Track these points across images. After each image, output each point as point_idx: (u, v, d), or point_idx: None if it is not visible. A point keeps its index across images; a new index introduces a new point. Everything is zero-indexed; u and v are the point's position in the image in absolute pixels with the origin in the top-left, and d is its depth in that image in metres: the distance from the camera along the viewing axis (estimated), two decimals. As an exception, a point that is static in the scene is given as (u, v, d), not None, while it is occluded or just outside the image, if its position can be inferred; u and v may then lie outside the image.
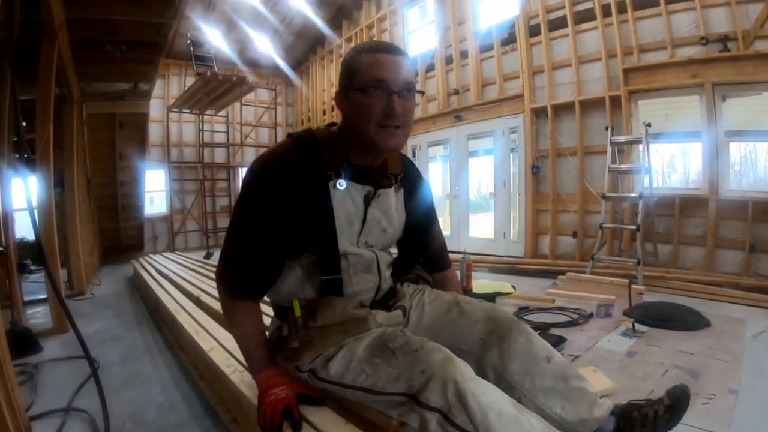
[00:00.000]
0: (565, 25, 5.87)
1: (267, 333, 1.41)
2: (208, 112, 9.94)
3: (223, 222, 11.12)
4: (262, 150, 11.22)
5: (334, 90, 10.19)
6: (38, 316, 4.16)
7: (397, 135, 1.19)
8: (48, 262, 2.84)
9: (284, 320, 1.34)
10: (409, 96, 1.19)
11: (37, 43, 3.17)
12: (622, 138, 5.02)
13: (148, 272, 5.28)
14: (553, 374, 1.21)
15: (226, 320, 1.47)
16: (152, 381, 2.75)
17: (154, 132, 9.80)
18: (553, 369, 1.22)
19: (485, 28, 7.05)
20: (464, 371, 1.05)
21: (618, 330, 3.23)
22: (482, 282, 3.29)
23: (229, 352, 1.96)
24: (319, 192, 1.21)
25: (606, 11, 5.42)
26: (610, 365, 2.64)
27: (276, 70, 11.87)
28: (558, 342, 2.75)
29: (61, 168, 4.67)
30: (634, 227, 4.60)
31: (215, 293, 3.29)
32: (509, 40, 6.67)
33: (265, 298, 1.39)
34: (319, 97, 11.42)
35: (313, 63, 11.58)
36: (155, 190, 10.12)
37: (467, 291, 3.61)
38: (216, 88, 8.11)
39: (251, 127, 11.14)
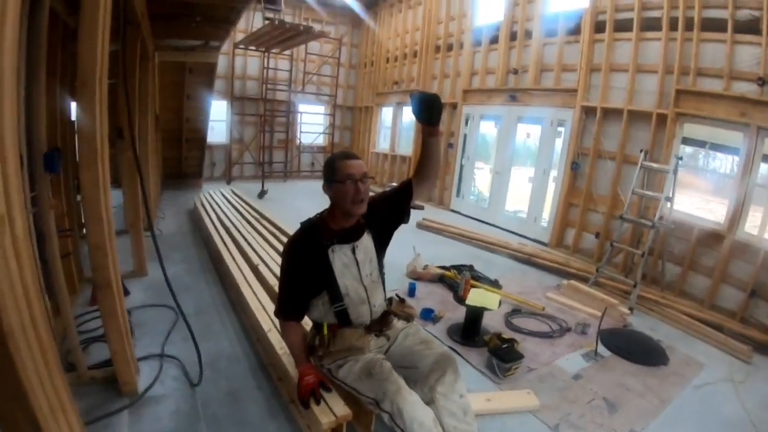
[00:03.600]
0: (630, 29, 5.71)
1: (307, 338, 2.22)
2: (273, 50, 10.27)
3: (279, 155, 11.81)
4: (323, 95, 11.65)
5: (400, 39, 10.44)
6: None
7: (363, 205, 1.97)
8: (149, 200, 3.22)
9: (317, 332, 2.14)
10: (365, 181, 1.95)
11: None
12: (653, 165, 5.07)
13: (209, 217, 5.85)
14: (459, 406, 1.91)
15: (282, 335, 2.31)
16: (221, 335, 3.38)
17: (220, 65, 9.94)
18: (461, 403, 1.92)
19: (553, 13, 6.92)
20: (405, 396, 1.81)
21: (582, 350, 3.64)
22: (476, 294, 3.77)
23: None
24: (321, 257, 1.99)
25: (673, 25, 5.23)
26: (552, 384, 3.12)
27: (344, 10, 11.91)
28: (516, 358, 3.18)
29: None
30: (640, 252, 4.80)
31: (271, 262, 3.99)
32: (574, 30, 6.55)
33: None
34: (385, 43, 11.51)
35: (383, 8, 11.58)
36: (216, 119, 10.46)
37: (462, 300, 4.07)
38: (283, 33, 8.39)
39: (314, 65, 11.46)
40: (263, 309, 3.11)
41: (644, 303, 4.66)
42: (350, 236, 2.04)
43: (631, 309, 4.46)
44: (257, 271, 3.86)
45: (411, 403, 1.80)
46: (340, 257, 2.01)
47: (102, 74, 2.11)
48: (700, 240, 4.96)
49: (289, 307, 2.11)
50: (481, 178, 9.23)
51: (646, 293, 4.77)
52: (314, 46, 11.29)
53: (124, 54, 3.37)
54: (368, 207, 2.05)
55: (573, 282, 4.96)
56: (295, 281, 2.05)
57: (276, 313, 2.18)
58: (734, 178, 4.79)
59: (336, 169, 1.94)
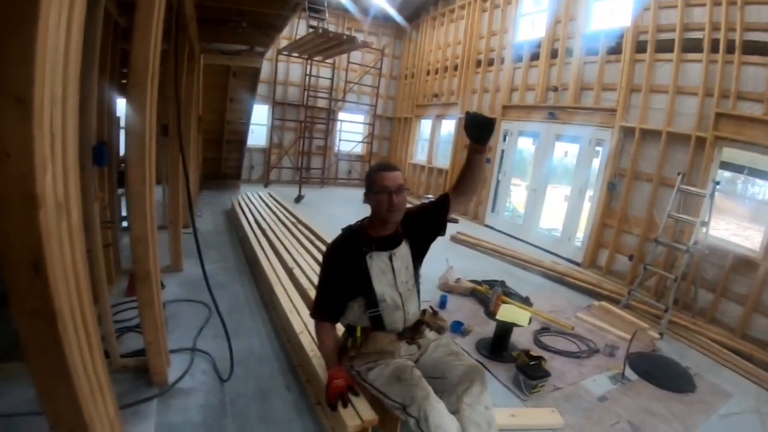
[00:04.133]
0: (672, 50, 5.70)
1: (339, 340, 2.32)
2: (315, 58, 10.56)
3: (317, 161, 12.10)
4: (362, 104, 11.88)
5: (441, 52, 10.58)
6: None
7: (398, 214, 2.11)
8: (192, 198, 3.33)
9: (350, 334, 2.25)
10: (401, 192, 2.08)
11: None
12: (691, 189, 5.05)
13: (246, 218, 6.09)
14: (484, 417, 1.97)
15: (316, 336, 2.36)
16: (252, 334, 3.50)
17: (263, 70, 10.15)
18: (486, 414, 1.98)
19: (594, 31, 6.95)
20: (432, 403, 1.87)
21: (609, 372, 3.68)
22: (506, 309, 3.88)
23: (312, 338, 2.79)
24: (360, 262, 2.13)
25: (714, 47, 5.22)
26: (578, 404, 3.18)
27: (386, 21, 12.16)
28: (544, 376, 3.26)
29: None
30: (673, 277, 4.79)
31: (306, 267, 4.17)
32: (615, 50, 6.57)
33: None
34: (426, 56, 11.68)
35: (425, 21, 11.77)
36: (256, 123, 10.73)
37: (492, 315, 4.17)
38: (326, 41, 8.64)
39: (356, 74, 11.73)
40: (296, 311, 3.26)
41: (674, 328, 4.65)
42: (388, 244, 2.18)
43: (661, 334, 4.45)
44: (292, 274, 4.02)
45: (437, 410, 1.87)
46: (377, 263, 2.14)
47: (153, 75, 2.23)
48: (734, 267, 4.91)
49: (325, 308, 2.23)
50: (516, 195, 9.26)
51: (677, 318, 4.75)
52: (356, 55, 11.59)
53: (175, 55, 3.57)
54: (406, 217, 2.20)
55: (604, 303, 4.99)
56: (333, 284, 2.19)
57: (312, 314, 2.30)
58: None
59: (374, 180, 2.10)
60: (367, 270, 2.13)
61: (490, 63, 9.40)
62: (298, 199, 9.42)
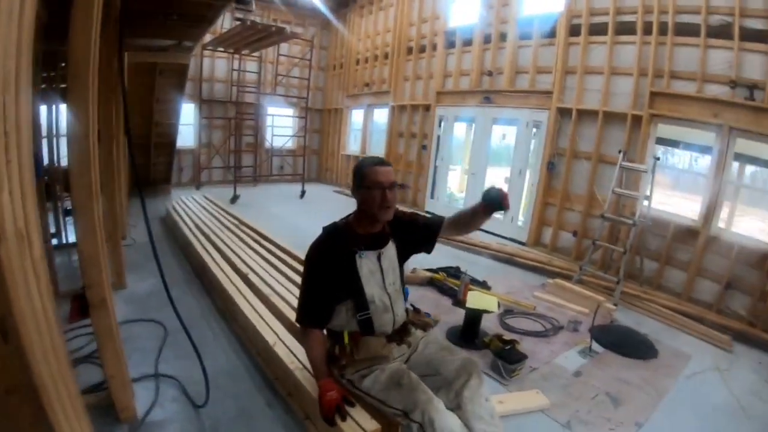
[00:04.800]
0: (605, 33, 5.92)
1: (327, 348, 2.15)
2: (242, 51, 10.03)
3: (248, 159, 11.53)
4: (292, 97, 11.50)
5: (370, 41, 10.43)
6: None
7: (390, 212, 2.00)
8: (144, 201, 3.06)
9: (335, 341, 2.09)
10: (393, 189, 1.98)
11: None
12: (632, 165, 5.29)
13: (186, 224, 5.65)
14: (486, 410, 1.91)
15: (303, 344, 2.21)
16: (217, 349, 3.16)
17: None
18: (487, 406, 1.93)
19: (528, 16, 7.08)
20: (436, 406, 1.79)
21: (577, 348, 3.75)
22: (474, 297, 3.84)
23: (289, 349, 2.60)
24: (349, 262, 1.99)
25: (647, 29, 5.47)
26: (556, 382, 3.20)
27: (312, 11, 11.81)
28: (521, 359, 3.24)
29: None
30: (622, 250, 4.99)
31: (260, 270, 3.90)
32: (549, 34, 6.73)
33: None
34: (355, 45, 11.49)
35: (353, 10, 11.56)
36: (183, 123, 9.95)
37: (461, 304, 4.10)
38: (254, 34, 8.22)
39: (283, 67, 11.28)
40: (263, 321, 3.02)
41: (626, 298, 4.85)
42: (376, 243, 2.07)
43: (615, 305, 4.62)
44: (247, 279, 3.77)
45: (441, 412, 1.80)
46: (366, 263, 2.02)
47: (94, 68, 1.96)
48: (676, 236, 5.21)
49: (312, 314, 2.06)
50: (453, 179, 9.34)
51: (627, 288, 4.96)
52: (283, 47, 11.10)
53: (120, 49, 3.32)
54: (395, 218, 2.09)
55: (558, 280, 5.10)
56: (320, 287, 2.02)
57: (298, 321, 2.11)
58: (707, 176, 5.05)
59: (365, 174, 1.97)
60: (356, 270, 2.00)
61: (422, 50, 9.37)
62: (234, 199, 8.97)
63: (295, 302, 3.19)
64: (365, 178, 1.97)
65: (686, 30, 5.14)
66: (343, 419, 1.91)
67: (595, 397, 3.04)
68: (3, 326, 0.94)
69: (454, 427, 1.78)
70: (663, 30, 5.32)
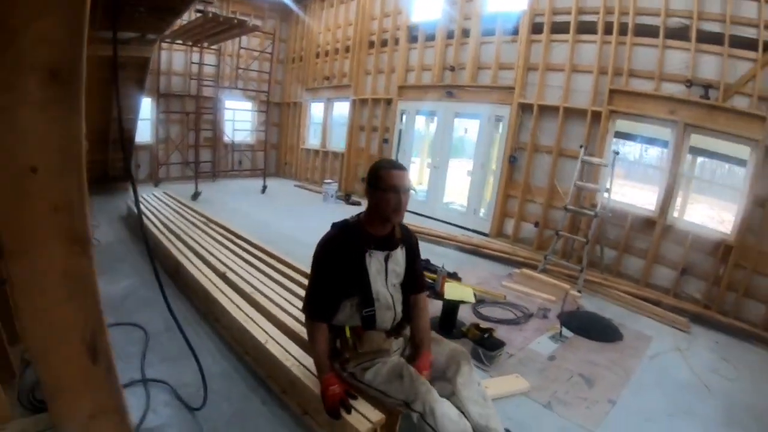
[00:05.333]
0: (567, 32, 6.15)
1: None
2: (202, 44, 9.70)
3: (206, 154, 11.13)
4: (251, 90, 11.24)
5: (331, 34, 10.33)
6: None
7: (401, 214, 2.05)
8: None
9: (335, 335, 2.15)
10: (407, 193, 2.03)
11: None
12: (593, 159, 5.54)
13: (153, 223, 5.40)
14: (479, 393, 2.08)
15: (309, 337, 2.20)
16: (203, 351, 2.95)
17: None
18: (480, 390, 2.09)
19: (491, 13, 7.23)
20: (435, 396, 1.91)
21: (548, 333, 3.91)
22: (451, 288, 3.96)
23: (282, 346, 2.60)
24: (359, 259, 2.06)
25: (608, 29, 5.74)
26: (533, 366, 3.34)
27: (272, 3, 11.55)
28: (500, 346, 3.35)
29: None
30: (584, 240, 5.23)
31: (238, 269, 3.83)
32: (512, 31, 6.89)
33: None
34: (315, 38, 11.34)
35: (314, 2, 11.37)
36: (141, 118, 9.30)
37: (439, 296, 4.13)
38: (215, 26, 7.99)
39: (242, 59, 10.98)
40: (251, 320, 2.96)
41: (589, 286, 5.09)
42: (386, 244, 2.13)
43: (579, 292, 4.85)
44: (226, 278, 3.68)
45: (440, 401, 1.92)
46: (374, 263, 2.09)
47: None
48: (634, 226, 5.52)
49: (321, 307, 2.11)
50: (415, 173, 9.43)
51: (589, 276, 5.20)
52: (242, 40, 10.82)
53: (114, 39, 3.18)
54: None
55: (525, 270, 5.28)
56: (330, 281, 2.07)
57: (307, 313, 2.16)
58: (663, 169, 5.38)
59: (381, 177, 2.01)
60: (365, 268, 2.07)
61: (384, 44, 9.37)
62: (195, 195, 8.67)
63: (280, 300, 3.25)
64: (381, 180, 2.01)
65: (646, 31, 5.43)
66: (348, 412, 1.99)
67: (570, 379, 3.19)
68: (93, 344, 0.90)
69: (453, 415, 1.90)
70: (623, 30, 5.60)
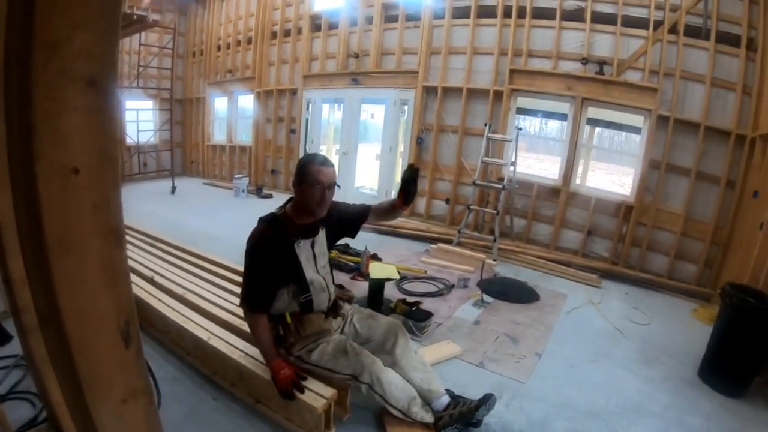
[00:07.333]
0: (468, 16, 6.38)
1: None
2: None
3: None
4: (152, 88, 10.48)
5: (232, 25, 9.88)
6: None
7: (325, 209, 2.13)
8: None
9: (276, 323, 2.22)
10: (332, 189, 2.11)
11: None
12: (497, 136, 5.85)
13: None
14: (418, 360, 2.28)
15: (251, 330, 2.25)
16: None
17: None
18: (418, 358, 2.30)
19: (393, 0, 7.28)
20: (380, 367, 2.10)
21: (471, 301, 4.04)
22: (376, 267, 4.11)
23: (225, 341, 2.59)
24: (289, 250, 2.12)
25: (507, 12, 6.05)
26: (461, 332, 3.44)
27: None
28: (428, 316, 3.40)
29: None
30: (495, 212, 5.49)
31: (166, 273, 3.63)
32: (414, 16, 7.01)
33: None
34: (216, 30, 10.80)
35: (211, -5, 10.80)
36: None
37: (365, 275, 4.26)
38: (112, 23, 7.28)
39: (141, 56, 10.18)
40: (190, 320, 2.85)
41: (503, 254, 5.38)
42: (310, 232, 2.21)
43: (495, 260, 5.08)
44: (154, 282, 3.47)
45: (385, 371, 2.11)
46: (303, 251, 2.17)
47: None
48: (540, 195, 5.91)
49: (259, 299, 2.16)
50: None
51: (502, 245, 5.49)
52: (141, 36, 9.98)
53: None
54: (328, 213, 2.27)
55: (441, 245, 5.43)
56: (265, 274, 2.12)
57: (247, 307, 2.19)
58: (564, 140, 5.80)
59: (308, 172, 2.07)
60: (296, 257, 2.14)
61: (287, 34, 9.13)
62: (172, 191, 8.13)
63: (212, 297, 3.23)
64: (308, 176, 2.07)
65: (543, 14, 5.81)
66: (302, 392, 2.09)
67: (497, 339, 3.33)
68: (126, 329, 1.00)
69: (398, 381, 2.12)
70: (522, 13, 5.94)
